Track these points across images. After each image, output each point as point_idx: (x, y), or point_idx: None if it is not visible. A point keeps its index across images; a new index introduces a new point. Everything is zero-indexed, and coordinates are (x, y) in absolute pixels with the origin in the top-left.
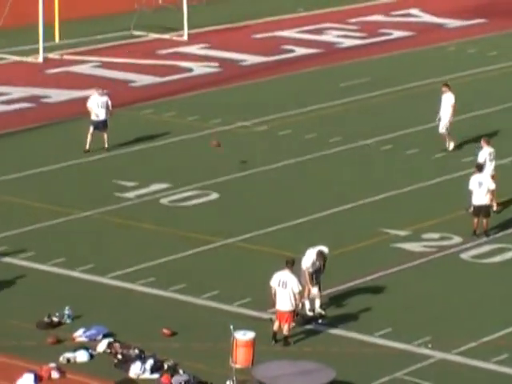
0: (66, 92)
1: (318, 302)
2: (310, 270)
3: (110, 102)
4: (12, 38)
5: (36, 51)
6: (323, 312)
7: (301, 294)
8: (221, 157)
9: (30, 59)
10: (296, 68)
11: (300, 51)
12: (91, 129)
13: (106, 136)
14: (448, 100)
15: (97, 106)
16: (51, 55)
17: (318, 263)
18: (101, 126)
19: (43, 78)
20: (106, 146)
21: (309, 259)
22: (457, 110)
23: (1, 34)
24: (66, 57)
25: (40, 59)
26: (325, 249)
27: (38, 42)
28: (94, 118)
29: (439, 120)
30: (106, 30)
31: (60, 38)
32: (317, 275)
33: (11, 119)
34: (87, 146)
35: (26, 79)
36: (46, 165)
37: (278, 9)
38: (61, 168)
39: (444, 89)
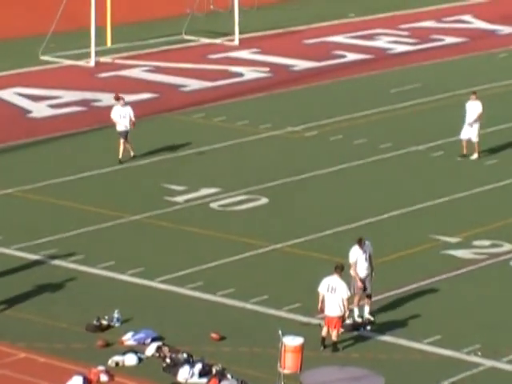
0: None
1: (367, 309)
2: (361, 276)
3: (132, 113)
4: (64, 42)
5: (88, 55)
6: (372, 318)
7: (349, 299)
8: (270, 162)
9: (81, 63)
10: (347, 73)
11: (351, 57)
12: (121, 139)
13: (129, 145)
14: (475, 108)
15: (119, 116)
16: (103, 59)
17: (366, 267)
18: (124, 135)
19: (95, 81)
20: (132, 154)
21: (353, 254)
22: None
23: (53, 38)
24: (117, 61)
25: (92, 63)
26: (365, 240)
27: (89, 46)
28: (117, 128)
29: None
30: (158, 35)
31: (112, 42)
32: (366, 282)
33: (62, 123)
34: (120, 156)
35: (77, 83)
36: (96, 168)
37: (329, 14)
38: (111, 171)
39: (472, 96)
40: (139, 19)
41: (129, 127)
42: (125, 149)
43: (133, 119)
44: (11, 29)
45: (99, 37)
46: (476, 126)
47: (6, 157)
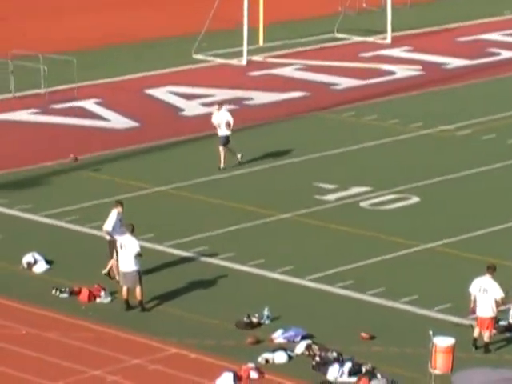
0: (269, 94)
1: None
2: None
3: (230, 118)
4: (217, 41)
5: (240, 54)
6: None
7: (503, 300)
8: (422, 161)
9: (233, 62)
10: (501, 71)
11: (505, 54)
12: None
13: (224, 153)
14: None
15: (216, 123)
16: (255, 58)
17: None
18: (223, 141)
19: (246, 80)
20: (222, 165)
21: None
22: None
23: (206, 38)
24: (269, 59)
25: (244, 62)
26: None
27: (241, 45)
28: (218, 133)
29: None
30: (310, 33)
31: (264, 41)
32: None
33: None
34: (221, 164)
35: (229, 81)
36: (246, 167)
37: (483, 12)
38: (260, 170)
39: None
40: (291, 18)
41: (226, 132)
42: (225, 156)
43: (231, 124)
44: (165, 28)
45: (251, 36)
46: None
47: (159, 154)
